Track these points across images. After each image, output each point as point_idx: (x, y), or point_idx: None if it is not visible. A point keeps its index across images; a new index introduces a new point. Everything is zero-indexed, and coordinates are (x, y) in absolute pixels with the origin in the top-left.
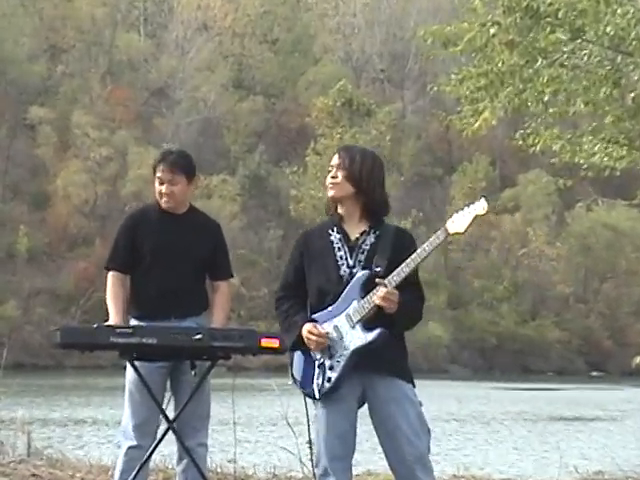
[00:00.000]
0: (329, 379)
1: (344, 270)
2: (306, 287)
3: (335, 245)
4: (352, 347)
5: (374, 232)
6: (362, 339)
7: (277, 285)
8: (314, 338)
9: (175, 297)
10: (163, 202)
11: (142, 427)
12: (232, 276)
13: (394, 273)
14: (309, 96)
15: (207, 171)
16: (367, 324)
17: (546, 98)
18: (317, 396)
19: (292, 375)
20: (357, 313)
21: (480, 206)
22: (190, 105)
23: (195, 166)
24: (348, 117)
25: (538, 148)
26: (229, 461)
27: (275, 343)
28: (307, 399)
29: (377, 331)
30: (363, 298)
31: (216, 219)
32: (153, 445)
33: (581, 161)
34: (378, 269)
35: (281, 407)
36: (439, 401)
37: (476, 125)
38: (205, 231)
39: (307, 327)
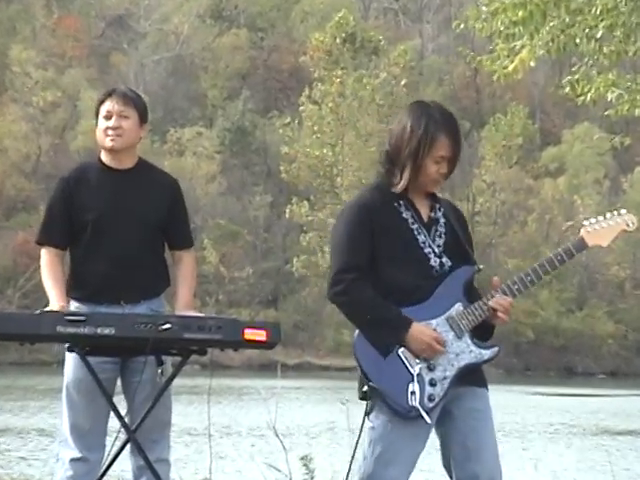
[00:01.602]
0: (432, 397)
1: (434, 260)
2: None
3: (412, 226)
4: (463, 362)
5: (439, 209)
6: (476, 355)
7: (339, 263)
8: (440, 349)
9: (126, 274)
10: (108, 141)
11: (86, 438)
12: (193, 245)
13: (515, 280)
14: (305, 30)
15: (179, 122)
16: (475, 336)
17: (599, 34)
18: (427, 418)
19: (369, 382)
20: (465, 319)
21: (629, 220)
22: (158, 39)
23: (148, 111)
24: (351, 57)
25: (589, 97)
26: None
27: (261, 335)
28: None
29: (496, 349)
30: (468, 300)
31: (189, 181)
32: (108, 460)
33: None
34: (481, 267)
35: (267, 414)
36: None
37: (511, 67)
38: (160, 189)
39: (427, 331)
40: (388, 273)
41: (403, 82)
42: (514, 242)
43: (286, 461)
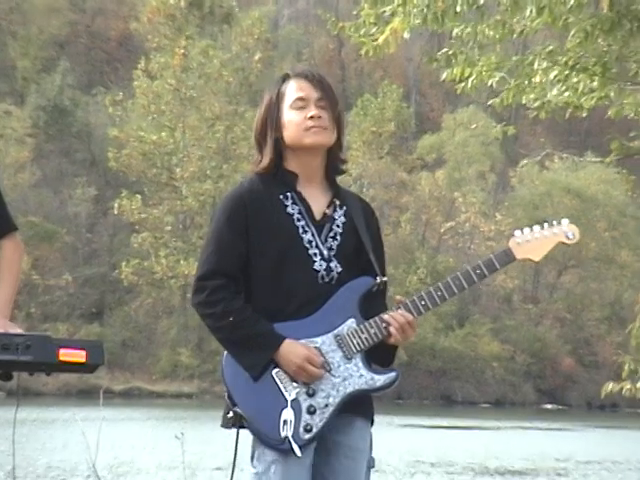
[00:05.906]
0: (308, 427)
1: (319, 264)
2: (240, 277)
3: (297, 223)
4: (350, 389)
5: (340, 206)
6: (367, 381)
7: (202, 268)
8: (314, 371)
9: None
10: None
11: None
12: (16, 228)
13: (422, 295)
14: None
15: None
16: (371, 359)
17: (482, 1)
18: (297, 451)
19: (234, 410)
20: (358, 338)
21: (569, 231)
22: None
23: None
24: (197, 24)
25: (470, 84)
26: None
27: (80, 356)
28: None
29: (393, 374)
30: (364, 317)
31: None
32: None
33: (531, 96)
34: (385, 278)
35: (87, 450)
36: None
37: (381, 39)
38: None
39: (302, 352)
40: (263, 279)
41: (257, 57)
42: (385, 246)
43: None
